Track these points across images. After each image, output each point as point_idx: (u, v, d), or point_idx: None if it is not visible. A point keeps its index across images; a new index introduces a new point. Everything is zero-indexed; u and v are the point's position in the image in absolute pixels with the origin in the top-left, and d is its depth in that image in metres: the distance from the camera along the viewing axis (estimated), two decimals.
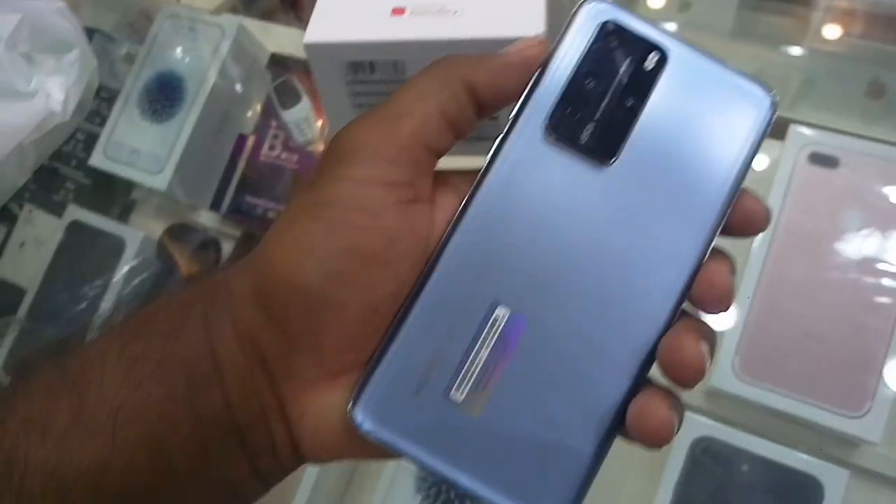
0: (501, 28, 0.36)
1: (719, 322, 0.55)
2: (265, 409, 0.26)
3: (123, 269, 0.74)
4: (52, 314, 0.76)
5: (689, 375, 0.24)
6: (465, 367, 0.25)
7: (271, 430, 0.26)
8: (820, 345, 0.53)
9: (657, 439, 0.23)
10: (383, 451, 0.25)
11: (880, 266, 0.54)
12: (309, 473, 0.58)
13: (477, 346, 0.25)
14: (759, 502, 0.51)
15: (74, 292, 0.75)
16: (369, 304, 0.25)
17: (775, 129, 0.26)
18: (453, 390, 0.25)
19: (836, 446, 0.53)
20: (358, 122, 0.26)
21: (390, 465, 0.58)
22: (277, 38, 0.84)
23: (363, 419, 0.24)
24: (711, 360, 0.24)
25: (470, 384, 0.25)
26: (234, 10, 1.14)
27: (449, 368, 0.25)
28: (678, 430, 0.24)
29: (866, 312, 0.53)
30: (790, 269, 0.55)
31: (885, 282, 0.53)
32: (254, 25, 0.84)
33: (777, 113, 0.26)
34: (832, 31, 0.75)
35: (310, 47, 0.36)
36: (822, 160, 0.57)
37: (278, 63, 0.80)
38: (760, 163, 0.60)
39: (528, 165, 0.26)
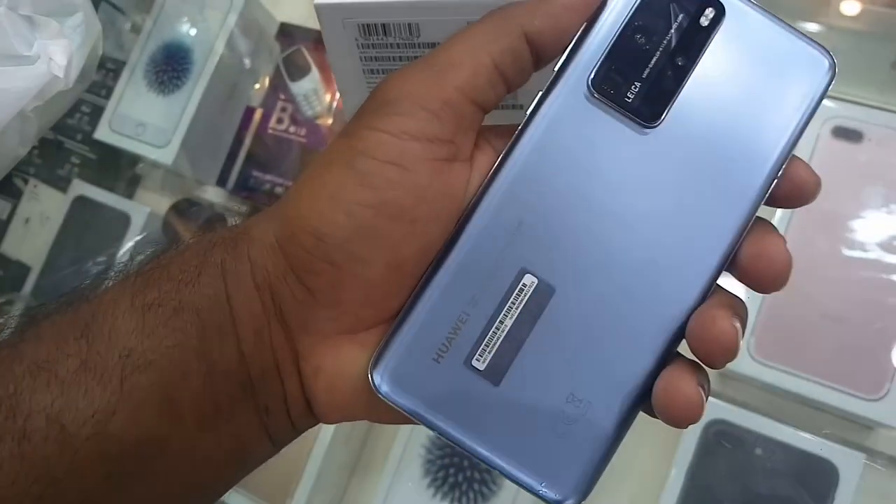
0: None
1: None
2: (279, 362, 0.25)
3: (129, 244, 0.73)
4: (56, 291, 0.76)
5: (718, 353, 0.23)
6: (489, 335, 0.24)
7: (284, 385, 0.25)
8: (838, 326, 0.51)
9: (683, 418, 0.23)
10: (398, 415, 0.25)
11: None
12: (314, 456, 0.57)
13: (502, 314, 0.24)
14: (774, 486, 0.50)
15: (79, 268, 0.74)
16: (394, 261, 0.24)
17: None
18: (475, 358, 0.24)
19: (853, 430, 0.52)
20: (404, 70, 0.25)
21: (397, 450, 0.57)
22: (287, 6, 0.82)
23: (382, 382, 0.24)
24: (743, 338, 0.23)
25: (493, 353, 0.24)
26: None
27: (472, 335, 0.24)
28: (704, 410, 0.23)
29: (887, 293, 0.51)
30: (809, 248, 0.53)
31: None
32: None
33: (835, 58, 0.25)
34: (854, 4, 0.73)
35: (321, 8, 0.35)
36: (847, 134, 0.55)
37: (287, 34, 0.78)
38: None
39: (569, 124, 0.25)
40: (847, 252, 0.53)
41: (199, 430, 0.25)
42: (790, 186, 0.25)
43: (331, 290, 0.24)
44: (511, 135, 0.25)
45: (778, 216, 0.54)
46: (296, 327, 0.25)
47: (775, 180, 0.24)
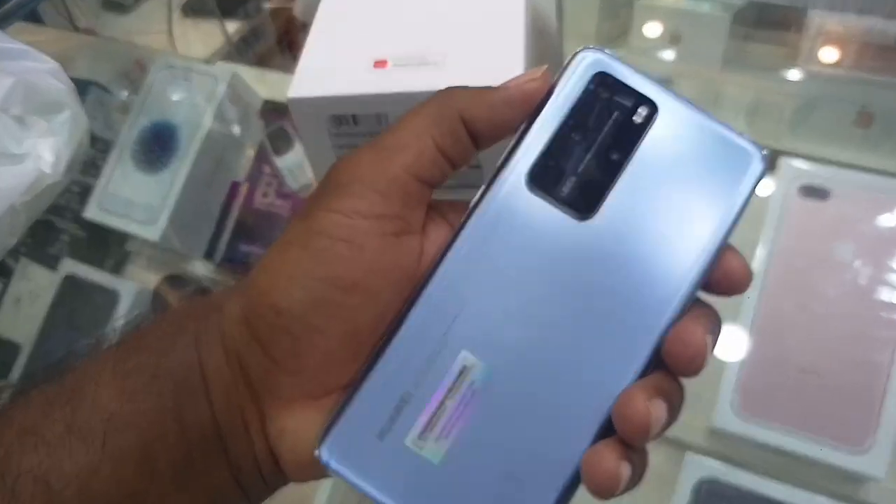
0: (484, 77, 0.36)
1: (720, 358, 0.55)
2: (247, 423, 0.27)
3: (118, 322, 0.74)
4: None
5: (634, 432, 0.24)
6: (429, 416, 0.25)
7: (253, 444, 0.27)
8: (819, 379, 0.52)
9: (603, 490, 0.23)
10: None
11: (876, 297, 0.53)
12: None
13: (442, 395, 0.25)
14: None
15: (69, 348, 0.74)
16: (349, 331, 0.25)
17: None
18: (416, 437, 0.25)
19: (844, 483, 0.52)
20: (352, 155, 0.27)
21: None
22: (272, 84, 0.85)
23: (329, 457, 0.25)
24: (668, 419, 0.24)
25: (432, 432, 0.25)
26: (228, 55, 1.16)
27: (414, 415, 0.25)
28: (630, 484, 0.24)
29: (864, 345, 0.52)
30: (786, 303, 0.54)
31: (882, 314, 0.52)
32: (248, 72, 0.85)
33: (766, 145, 0.26)
34: (821, 60, 0.76)
35: (293, 102, 0.37)
36: (814, 192, 0.57)
37: (272, 110, 0.81)
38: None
39: (509, 214, 0.26)
40: (823, 306, 0.54)
41: (175, 486, 0.26)
42: (722, 277, 0.25)
43: (292, 358, 0.25)
44: (462, 209, 0.27)
45: (754, 270, 0.55)
46: (262, 392, 0.26)
47: (709, 268, 0.25)
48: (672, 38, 0.84)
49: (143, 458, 0.26)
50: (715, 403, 0.54)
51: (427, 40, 0.38)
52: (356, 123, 0.37)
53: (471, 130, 0.27)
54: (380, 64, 0.37)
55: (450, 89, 0.27)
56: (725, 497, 0.52)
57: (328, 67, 0.38)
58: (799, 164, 0.58)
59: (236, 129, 0.81)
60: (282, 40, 1.39)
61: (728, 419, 0.53)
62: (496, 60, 0.37)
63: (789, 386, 0.53)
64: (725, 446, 0.55)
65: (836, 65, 0.75)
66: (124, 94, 0.90)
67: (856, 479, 0.52)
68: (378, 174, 0.26)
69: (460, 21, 0.39)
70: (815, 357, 0.53)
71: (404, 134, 0.26)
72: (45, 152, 0.41)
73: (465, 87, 0.27)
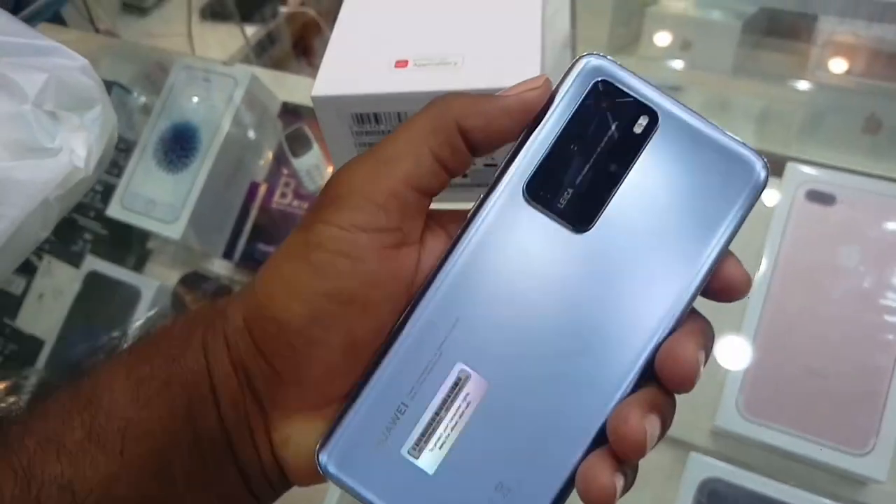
0: (501, 78, 0.38)
1: (724, 360, 0.56)
2: (253, 430, 0.27)
3: (139, 317, 0.75)
4: (68, 364, 0.78)
5: (630, 450, 0.24)
6: (424, 426, 0.25)
7: (259, 451, 0.27)
8: (823, 382, 0.53)
9: (599, 502, 0.24)
10: None
11: (881, 302, 0.54)
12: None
13: (437, 406, 0.25)
14: None
15: (92, 342, 0.76)
16: (349, 343, 0.26)
17: (773, 167, 0.26)
18: (411, 447, 0.25)
19: (846, 485, 0.53)
20: (350, 166, 0.27)
21: None
22: (289, 86, 0.86)
23: (327, 463, 0.26)
24: (661, 432, 0.25)
25: (427, 443, 0.25)
26: (246, 59, 1.18)
27: (409, 425, 0.25)
28: (623, 493, 0.24)
29: (868, 349, 0.53)
30: (791, 306, 0.55)
31: (886, 318, 0.53)
32: (266, 75, 0.87)
33: (774, 151, 0.26)
34: (830, 69, 0.76)
35: (317, 100, 0.38)
36: (820, 197, 0.58)
37: (289, 112, 0.82)
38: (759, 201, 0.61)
39: (505, 226, 0.26)
40: (828, 309, 0.55)
41: (190, 490, 0.27)
42: (721, 285, 0.25)
43: (294, 370, 0.26)
44: (460, 219, 0.27)
45: (760, 273, 0.56)
46: (266, 401, 0.27)
47: (707, 277, 0.25)
48: (682, 46, 0.85)
49: (160, 466, 0.26)
50: (719, 404, 0.55)
51: (447, 42, 0.39)
52: (378, 122, 0.38)
53: (467, 140, 0.26)
54: (401, 64, 0.38)
55: (446, 97, 0.27)
56: (729, 497, 0.52)
57: (351, 67, 0.39)
58: (806, 168, 0.59)
59: (255, 131, 0.83)
60: (297, 45, 1.41)
61: (732, 420, 0.54)
62: (513, 62, 0.39)
63: (793, 388, 0.53)
64: (729, 447, 0.56)
65: (846, 73, 0.76)
66: (145, 94, 0.92)
67: (858, 481, 0.52)
68: (376, 186, 0.26)
69: (479, 24, 0.41)
70: (820, 360, 0.53)
71: (401, 144, 0.26)
72: (78, 147, 0.43)
73: (463, 95, 0.27)
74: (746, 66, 0.83)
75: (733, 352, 0.56)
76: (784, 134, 0.76)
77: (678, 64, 0.85)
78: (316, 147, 0.79)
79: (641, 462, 0.26)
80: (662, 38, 0.85)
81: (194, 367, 0.27)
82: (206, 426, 0.27)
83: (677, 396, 0.26)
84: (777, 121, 0.79)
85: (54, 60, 0.46)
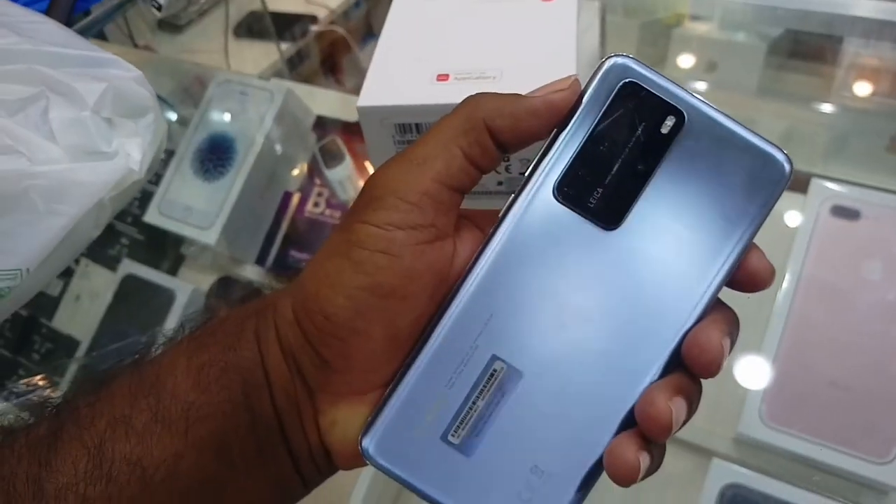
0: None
1: (747, 371, 0.57)
2: (302, 416, 0.29)
3: (173, 320, 0.78)
4: (103, 363, 0.80)
5: (657, 429, 0.25)
6: (462, 414, 0.27)
7: (307, 436, 0.29)
8: (845, 392, 0.54)
9: (623, 478, 0.25)
10: None
11: None
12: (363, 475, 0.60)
13: (474, 396, 0.27)
14: None
15: (126, 342, 0.78)
16: (390, 333, 0.27)
17: (798, 183, 0.27)
18: (450, 433, 0.27)
19: (867, 493, 0.53)
20: (386, 167, 0.28)
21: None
22: (320, 101, 0.89)
23: (369, 448, 0.27)
24: (687, 415, 0.26)
25: (465, 429, 0.27)
26: (278, 74, 1.21)
27: (448, 414, 0.27)
28: (649, 472, 0.26)
29: (890, 361, 0.54)
30: (814, 318, 0.56)
31: None
32: (300, 89, 0.89)
33: (798, 169, 0.26)
34: (854, 91, 0.77)
35: (362, 110, 0.40)
36: (844, 212, 0.59)
37: (323, 125, 0.85)
38: (784, 216, 0.63)
39: (536, 225, 0.27)
40: (851, 322, 0.56)
41: (247, 472, 0.29)
42: (746, 276, 0.27)
43: (341, 359, 0.28)
44: (493, 218, 0.28)
45: (783, 289, 0.58)
46: (315, 387, 0.29)
47: (732, 271, 0.26)
48: (708, 67, 0.86)
49: (221, 447, 0.28)
50: (741, 412, 0.55)
51: (485, 57, 0.41)
52: (419, 131, 0.40)
53: (496, 139, 0.28)
54: (442, 77, 0.41)
55: (476, 97, 0.28)
56: (751, 502, 0.53)
57: (395, 80, 0.41)
58: (830, 184, 0.60)
59: (289, 142, 0.85)
60: (325, 62, 1.44)
61: (754, 427, 0.55)
62: (549, 76, 0.41)
63: (815, 397, 0.54)
64: (750, 454, 0.57)
65: (870, 95, 0.76)
66: (182, 107, 0.95)
67: (879, 489, 0.53)
68: (410, 186, 0.27)
69: (516, 40, 0.43)
70: (843, 372, 0.54)
71: (433, 145, 0.28)
72: (133, 151, 0.45)
73: (493, 95, 0.28)
74: (771, 88, 0.84)
75: (756, 361, 0.57)
76: (809, 154, 0.77)
77: (703, 85, 0.86)
78: (348, 159, 0.81)
79: (664, 468, 0.27)
80: (688, 60, 0.87)
81: (248, 355, 0.29)
82: (261, 411, 0.29)
83: (701, 406, 0.27)
84: (802, 142, 0.79)
85: (111, 71, 0.49)
